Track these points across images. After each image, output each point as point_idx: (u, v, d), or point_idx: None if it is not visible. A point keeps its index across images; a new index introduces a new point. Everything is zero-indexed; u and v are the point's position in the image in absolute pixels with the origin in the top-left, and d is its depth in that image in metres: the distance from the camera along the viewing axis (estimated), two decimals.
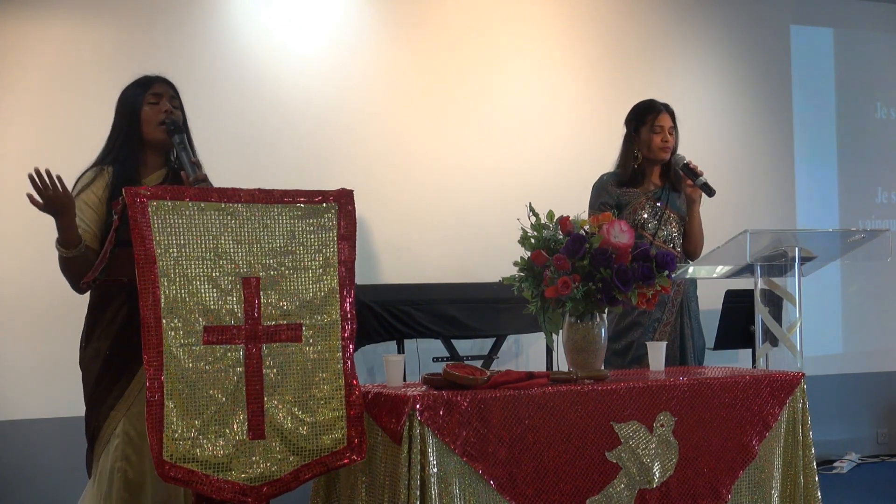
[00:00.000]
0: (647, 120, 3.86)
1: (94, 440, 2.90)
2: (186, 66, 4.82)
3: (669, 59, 6.06)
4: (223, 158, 4.54)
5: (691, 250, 3.93)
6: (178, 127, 2.94)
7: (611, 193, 3.82)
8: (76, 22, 4.82)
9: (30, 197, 2.70)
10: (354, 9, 5.35)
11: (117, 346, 2.86)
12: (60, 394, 4.56)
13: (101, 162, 3.01)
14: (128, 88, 3.05)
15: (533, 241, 2.89)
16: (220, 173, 3.16)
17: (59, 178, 2.70)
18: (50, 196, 2.69)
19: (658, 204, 3.83)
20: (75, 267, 2.81)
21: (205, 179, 2.85)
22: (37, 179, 2.67)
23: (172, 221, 2.41)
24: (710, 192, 3.77)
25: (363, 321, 4.08)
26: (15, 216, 4.57)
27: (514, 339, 5.32)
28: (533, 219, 2.92)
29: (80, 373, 2.98)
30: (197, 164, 2.89)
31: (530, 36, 5.70)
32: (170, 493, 2.83)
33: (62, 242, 2.79)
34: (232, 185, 2.54)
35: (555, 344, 3.02)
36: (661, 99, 4.02)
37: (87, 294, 2.96)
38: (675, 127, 3.89)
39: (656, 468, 2.70)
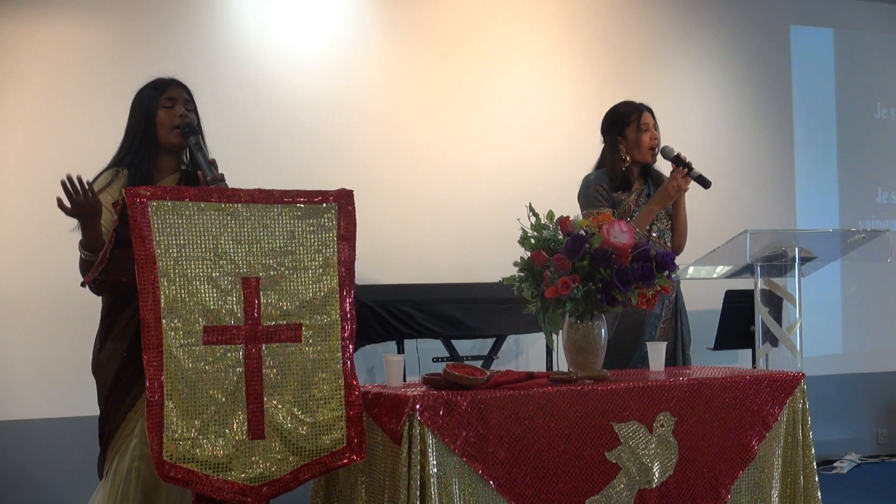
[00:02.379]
0: (631, 120, 3.81)
1: (109, 441, 2.89)
2: (187, 66, 4.80)
3: (669, 60, 6.06)
4: (223, 158, 4.53)
5: (676, 244, 3.86)
6: (192, 129, 2.96)
7: (606, 189, 3.78)
8: (76, 23, 4.82)
9: (59, 201, 2.70)
10: (355, 9, 5.35)
11: (135, 347, 2.85)
12: (60, 394, 4.56)
13: (116, 164, 3.02)
14: (142, 91, 3.06)
15: (533, 241, 2.89)
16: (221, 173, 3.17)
17: (90, 184, 2.72)
18: (80, 203, 2.70)
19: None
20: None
21: (222, 179, 2.86)
22: (69, 186, 2.68)
23: (172, 222, 2.41)
24: (706, 183, 3.67)
25: (363, 321, 4.08)
26: (15, 216, 4.57)
27: (514, 339, 5.32)
28: (533, 219, 2.92)
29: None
30: (213, 164, 2.90)
31: (530, 36, 5.70)
32: (183, 494, 2.83)
33: (86, 245, 2.81)
34: (232, 185, 2.54)
35: (555, 344, 3.02)
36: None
37: (91, 296, 2.97)
38: (656, 125, 3.85)
39: (656, 468, 2.70)
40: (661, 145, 3.83)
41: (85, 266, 2.84)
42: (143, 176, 2.95)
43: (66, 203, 2.70)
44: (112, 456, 2.88)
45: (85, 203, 2.70)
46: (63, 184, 2.67)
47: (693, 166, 3.69)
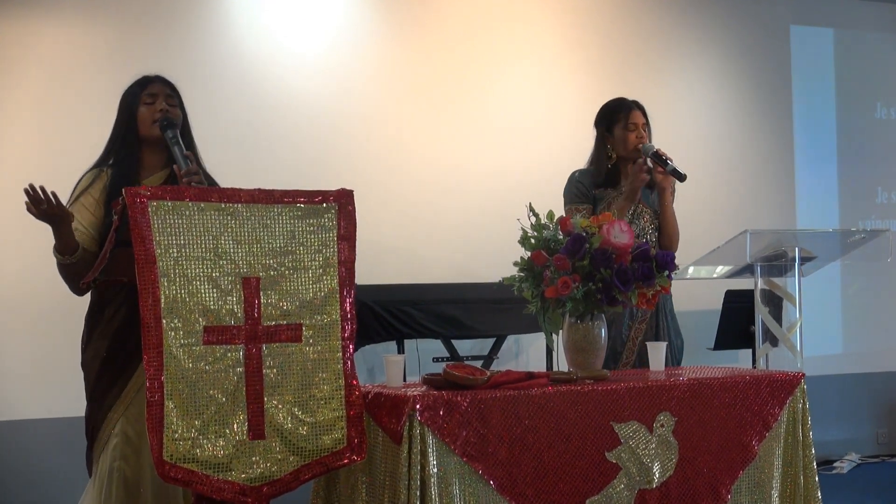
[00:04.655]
0: (619, 118, 3.74)
1: (94, 440, 2.92)
2: (186, 66, 4.82)
3: (669, 60, 6.06)
4: (222, 159, 4.53)
5: (666, 245, 3.74)
6: (170, 123, 2.96)
7: (587, 187, 3.74)
8: (76, 22, 4.82)
9: (27, 205, 2.74)
10: (354, 9, 5.35)
11: (115, 347, 2.88)
12: (60, 394, 4.56)
13: (100, 164, 3.04)
14: (127, 89, 3.08)
15: (533, 241, 2.89)
16: (220, 173, 3.16)
17: (53, 193, 2.76)
18: (44, 210, 2.74)
19: None
20: (73, 272, 2.86)
21: (197, 172, 2.86)
22: (31, 194, 2.73)
23: (172, 222, 2.41)
24: (681, 177, 3.58)
25: (363, 321, 4.08)
26: (15, 217, 4.54)
27: (514, 339, 5.32)
28: (533, 219, 2.92)
29: (79, 373, 3.00)
30: (190, 158, 2.89)
31: (530, 36, 5.70)
32: (169, 494, 2.83)
33: (59, 249, 2.84)
34: (232, 186, 2.55)
35: (555, 344, 3.02)
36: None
37: (87, 295, 2.98)
38: (647, 123, 3.81)
39: (656, 468, 2.70)
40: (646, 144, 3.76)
41: (63, 269, 2.88)
42: (127, 174, 2.96)
43: (34, 209, 2.75)
44: (97, 455, 2.91)
45: (49, 211, 2.74)
46: (26, 192, 2.73)
47: (669, 159, 3.60)
